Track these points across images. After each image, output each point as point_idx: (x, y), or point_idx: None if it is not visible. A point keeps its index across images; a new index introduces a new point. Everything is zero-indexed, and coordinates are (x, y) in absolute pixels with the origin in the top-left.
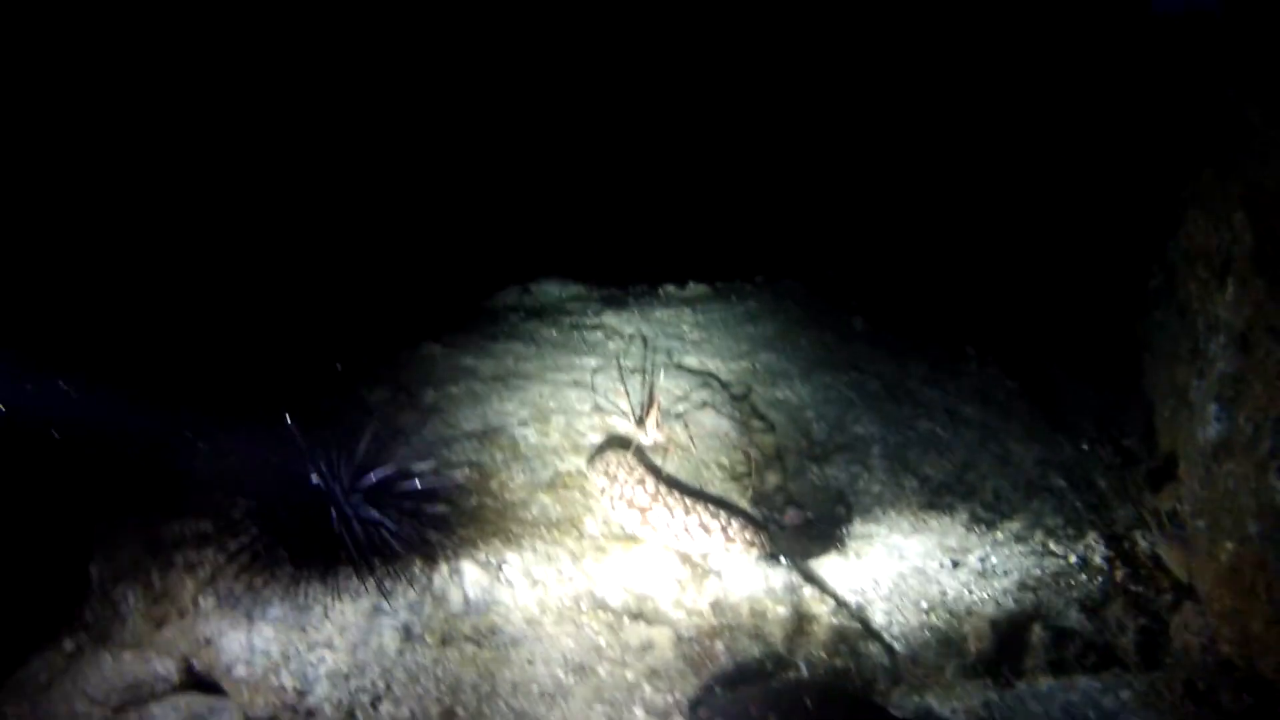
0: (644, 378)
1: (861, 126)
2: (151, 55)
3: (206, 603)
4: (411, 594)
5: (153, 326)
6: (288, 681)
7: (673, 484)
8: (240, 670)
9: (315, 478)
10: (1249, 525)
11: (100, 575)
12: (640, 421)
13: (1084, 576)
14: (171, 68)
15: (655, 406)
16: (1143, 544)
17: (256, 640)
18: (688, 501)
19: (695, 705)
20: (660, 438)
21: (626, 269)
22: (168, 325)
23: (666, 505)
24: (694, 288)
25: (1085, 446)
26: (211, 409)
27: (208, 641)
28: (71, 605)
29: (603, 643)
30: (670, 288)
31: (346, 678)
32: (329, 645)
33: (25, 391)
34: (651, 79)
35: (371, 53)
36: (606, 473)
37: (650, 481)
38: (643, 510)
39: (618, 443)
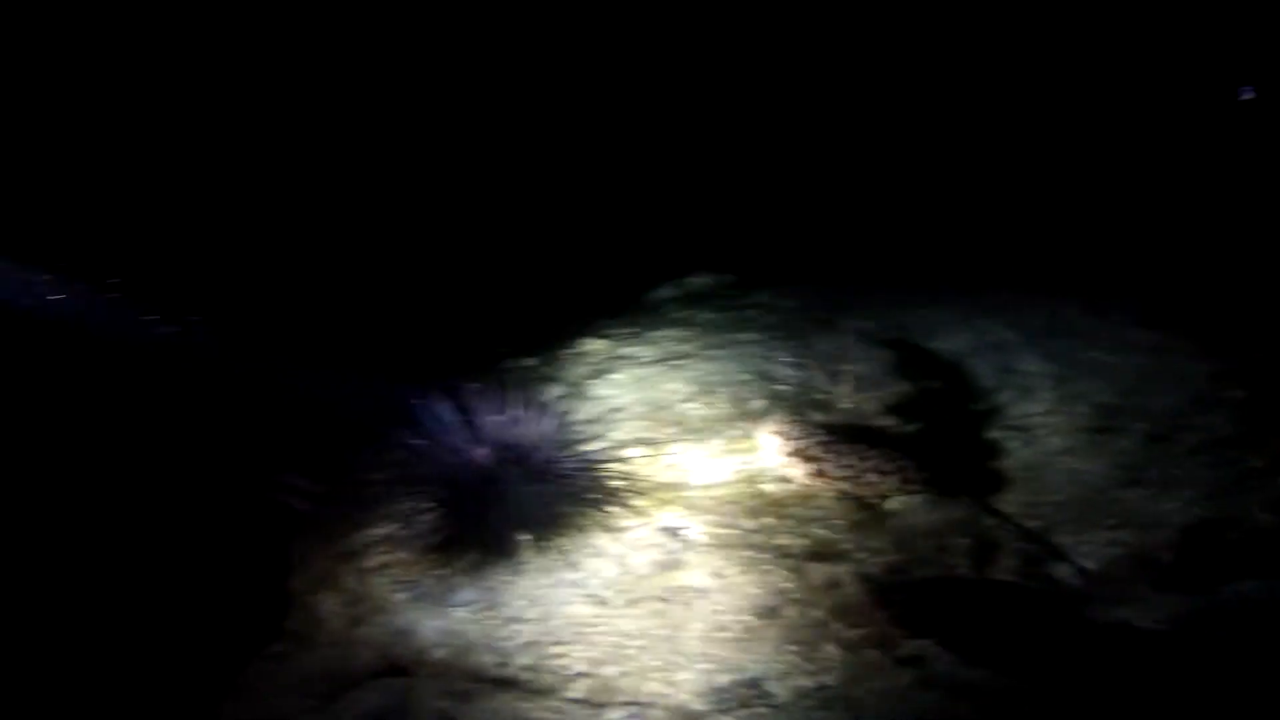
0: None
1: None
2: None
3: (399, 597)
4: (595, 563)
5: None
6: (487, 658)
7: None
8: (439, 653)
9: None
10: None
11: (299, 588)
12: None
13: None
14: None
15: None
16: None
17: (450, 625)
18: (859, 450)
19: None
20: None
21: None
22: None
23: (835, 453)
24: None
25: None
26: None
27: (402, 632)
28: (276, 617)
29: (787, 585)
30: None
31: (538, 644)
32: (519, 619)
33: None
34: None
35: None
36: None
37: (817, 436)
38: (815, 460)
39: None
